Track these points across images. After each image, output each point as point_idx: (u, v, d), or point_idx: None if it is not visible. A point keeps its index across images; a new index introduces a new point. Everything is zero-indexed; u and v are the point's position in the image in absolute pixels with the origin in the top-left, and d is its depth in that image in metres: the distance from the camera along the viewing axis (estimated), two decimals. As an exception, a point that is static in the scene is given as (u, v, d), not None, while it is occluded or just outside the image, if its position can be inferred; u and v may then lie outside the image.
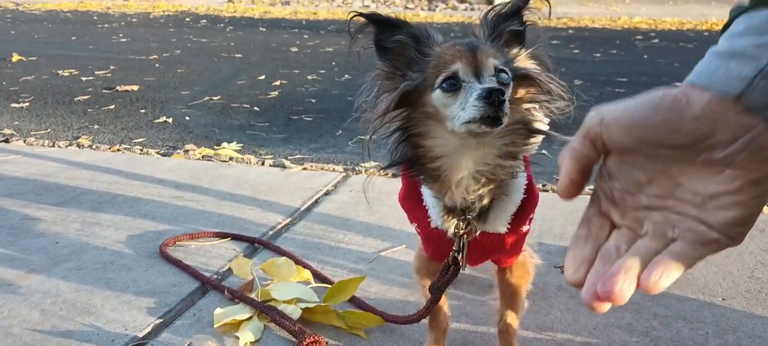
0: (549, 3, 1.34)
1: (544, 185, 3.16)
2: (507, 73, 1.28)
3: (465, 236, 1.40)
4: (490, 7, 1.39)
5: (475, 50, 1.27)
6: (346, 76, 6.95)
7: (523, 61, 1.36)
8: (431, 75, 1.28)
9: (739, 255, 2.33)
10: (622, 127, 0.93)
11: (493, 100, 1.17)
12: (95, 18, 13.21)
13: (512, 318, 1.60)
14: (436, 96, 1.27)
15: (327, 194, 3.02)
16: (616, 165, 0.94)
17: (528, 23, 1.37)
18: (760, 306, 1.97)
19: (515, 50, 1.37)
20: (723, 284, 2.12)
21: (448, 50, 1.29)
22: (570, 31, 10.72)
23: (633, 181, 0.93)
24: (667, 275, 0.85)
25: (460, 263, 1.43)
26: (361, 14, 1.30)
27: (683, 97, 0.92)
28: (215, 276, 2.15)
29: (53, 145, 3.94)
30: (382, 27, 1.32)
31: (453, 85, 1.24)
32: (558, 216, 2.71)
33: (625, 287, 0.82)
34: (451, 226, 1.40)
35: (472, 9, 14.47)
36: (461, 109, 1.22)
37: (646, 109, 0.93)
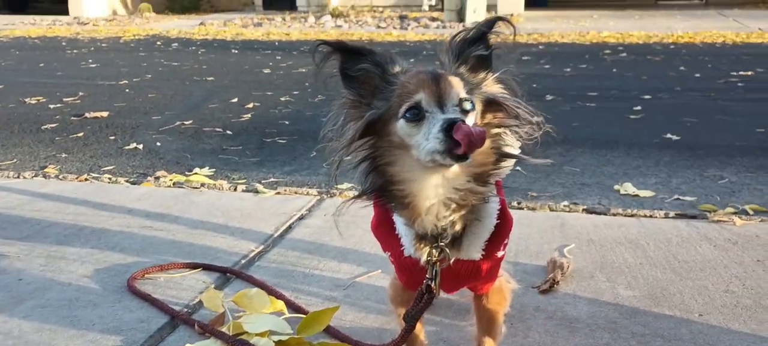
0: (514, 27, 1.34)
1: (518, 203, 3.16)
2: (471, 102, 1.26)
3: (438, 263, 1.37)
4: (456, 32, 1.37)
5: (438, 79, 1.25)
6: (320, 96, 6.92)
7: (490, 85, 1.35)
8: (395, 104, 1.26)
9: (714, 269, 2.33)
10: None
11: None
12: (64, 44, 13.01)
13: (489, 343, 1.57)
14: (400, 126, 1.25)
15: (301, 218, 2.98)
16: None
17: (494, 47, 1.36)
18: (737, 321, 1.97)
19: (482, 75, 1.36)
20: (699, 300, 2.11)
21: (412, 79, 1.28)
22: (540, 47, 10.85)
23: None
24: None
25: (434, 291, 1.41)
26: (326, 43, 1.28)
27: None
28: (185, 310, 2.08)
29: (18, 177, 3.83)
30: (347, 55, 1.30)
31: (416, 115, 1.23)
32: (534, 234, 2.70)
33: None
34: (423, 254, 1.37)
35: (444, 27, 14.56)
36: (425, 140, 1.21)
37: None
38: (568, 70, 8.29)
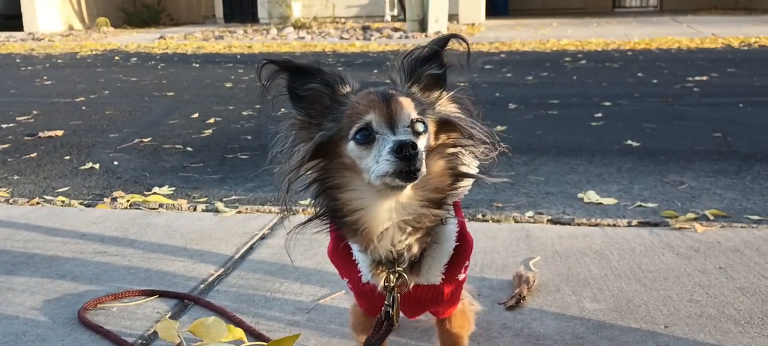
0: (467, 43, 1.30)
1: (483, 215, 3.14)
2: (423, 123, 1.22)
3: (396, 289, 1.33)
4: (406, 52, 1.33)
5: (389, 100, 1.21)
6: (283, 109, 6.84)
7: (445, 105, 1.32)
8: (346, 125, 1.21)
9: (678, 278, 2.34)
10: None
11: (404, 154, 1.12)
12: (18, 61, 12.64)
13: (455, 369, 1.53)
14: (350, 148, 1.21)
15: (263, 238, 2.90)
16: None
17: (448, 66, 1.32)
18: (702, 332, 1.97)
19: (436, 94, 1.32)
20: (664, 310, 2.11)
21: (362, 100, 1.23)
22: (502, 56, 10.95)
23: None
24: None
25: (393, 318, 1.36)
26: (272, 61, 1.23)
27: None
28: (139, 341, 1.99)
29: (-35, 202, 3.67)
30: (295, 74, 1.25)
31: (366, 137, 1.19)
32: (499, 248, 2.68)
33: None
34: (380, 280, 1.32)
35: (407, 37, 14.60)
36: (375, 163, 1.16)
37: None
38: (530, 78, 8.37)
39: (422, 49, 1.31)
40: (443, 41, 1.31)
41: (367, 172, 1.19)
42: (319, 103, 1.27)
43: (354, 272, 1.37)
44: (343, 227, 1.28)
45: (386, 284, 1.32)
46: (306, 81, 1.26)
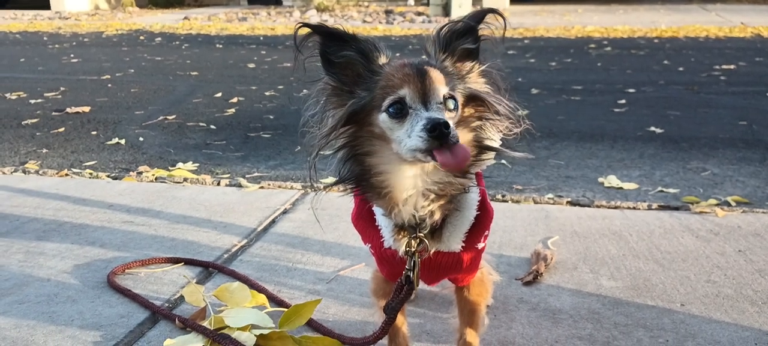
0: (504, 18, 1.32)
1: (503, 196, 3.16)
2: (455, 101, 1.25)
3: (417, 254, 1.36)
4: (443, 24, 1.35)
5: (423, 75, 1.23)
6: (305, 90, 6.88)
7: (475, 79, 1.34)
8: (378, 96, 1.24)
9: (696, 259, 2.35)
10: None
11: (437, 133, 1.15)
12: (45, 39, 12.84)
13: (472, 336, 1.57)
14: (383, 119, 1.23)
15: (285, 212, 2.96)
16: None
17: (482, 38, 1.34)
18: (718, 311, 1.98)
19: (467, 66, 1.34)
20: (681, 290, 2.12)
21: (397, 73, 1.25)
22: (526, 41, 10.87)
23: None
24: None
25: (413, 282, 1.39)
26: (307, 25, 1.26)
27: None
28: (166, 305, 2.06)
29: (-3, 172, 3.77)
30: (330, 39, 1.27)
31: (399, 111, 1.21)
32: (518, 227, 2.70)
33: None
34: (402, 245, 1.36)
35: (430, 21, 14.54)
36: (407, 136, 1.19)
37: None
38: (554, 64, 8.32)
39: (458, 22, 1.33)
40: (480, 16, 1.33)
41: (397, 143, 1.22)
42: (351, 70, 1.30)
43: (377, 237, 1.40)
44: (368, 190, 1.31)
45: (407, 249, 1.36)
46: (340, 47, 1.28)
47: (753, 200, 3.26)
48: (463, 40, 1.33)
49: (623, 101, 5.83)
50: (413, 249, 1.35)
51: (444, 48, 1.33)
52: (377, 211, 1.39)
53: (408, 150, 1.19)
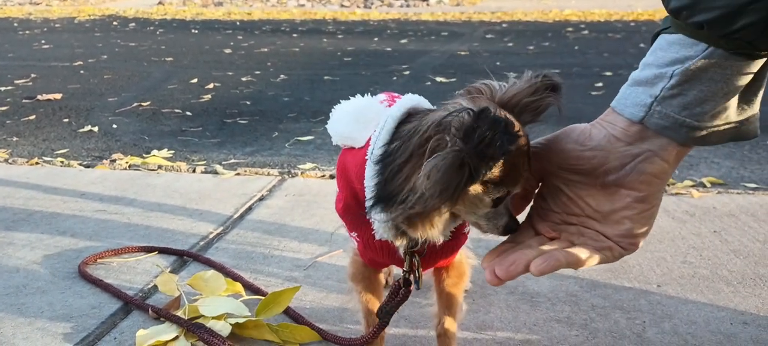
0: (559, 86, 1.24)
1: (482, 180, 3.15)
2: None
3: (417, 254, 1.33)
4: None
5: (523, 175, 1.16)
6: (282, 76, 6.81)
7: None
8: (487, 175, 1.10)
9: (672, 240, 2.36)
10: (544, 157, 1.18)
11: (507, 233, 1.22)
12: (15, 25, 12.55)
13: (450, 322, 1.55)
14: (481, 200, 1.14)
15: (261, 199, 2.92)
16: (547, 189, 1.20)
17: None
18: (694, 291, 2.00)
19: None
20: (657, 271, 2.13)
21: (514, 167, 1.12)
22: (504, 25, 10.87)
23: (559, 201, 1.17)
24: (548, 264, 1.06)
25: (412, 284, 1.37)
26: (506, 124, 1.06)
27: (587, 130, 1.15)
28: (139, 294, 2.02)
29: (-35, 161, 3.67)
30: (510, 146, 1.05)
31: (498, 202, 1.16)
32: (496, 211, 2.69)
33: (512, 269, 1.08)
34: (401, 245, 1.31)
35: (408, 6, 14.48)
36: (486, 221, 1.20)
37: (561, 140, 1.18)
38: (532, 47, 8.33)
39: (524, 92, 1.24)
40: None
41: (473, 216, 1.20)
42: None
43: (367, 230, 1.32)
44: (396, 224, 1.20)
45: (407, 250, 1.31)
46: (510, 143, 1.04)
47: (728, 181, 3.29)
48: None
49: (600, 84, 5.86)
50: (415, 249, 1.32)
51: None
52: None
53: (487, 229, 1.23)
